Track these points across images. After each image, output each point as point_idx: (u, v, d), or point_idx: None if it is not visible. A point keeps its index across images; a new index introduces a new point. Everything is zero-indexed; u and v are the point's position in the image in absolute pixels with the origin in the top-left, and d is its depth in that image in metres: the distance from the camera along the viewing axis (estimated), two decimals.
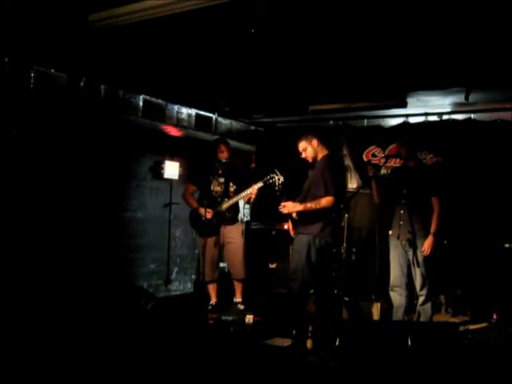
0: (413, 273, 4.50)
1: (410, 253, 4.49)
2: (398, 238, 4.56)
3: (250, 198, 5.05)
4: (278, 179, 4.51)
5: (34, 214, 4.75)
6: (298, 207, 4.24)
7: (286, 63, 4.48)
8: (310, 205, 4.20)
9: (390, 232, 4.70)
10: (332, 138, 6.49)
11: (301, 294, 4.35)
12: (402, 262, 4.57)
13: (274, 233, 6.49)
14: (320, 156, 4.36)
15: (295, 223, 4.42)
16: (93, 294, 4.69)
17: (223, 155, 5.26)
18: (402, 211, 4.55)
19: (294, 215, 4.38)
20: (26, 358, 3.32)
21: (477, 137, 5.69)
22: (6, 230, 4.48)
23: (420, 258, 4.43)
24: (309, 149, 4.35)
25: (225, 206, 5.17)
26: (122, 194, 5.92)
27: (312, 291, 4.55)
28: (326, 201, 4.16)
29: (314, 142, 4.34)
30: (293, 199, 4.33)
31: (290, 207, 4.26)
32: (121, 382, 3.23)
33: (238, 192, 5.15)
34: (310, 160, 4.38)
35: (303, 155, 4.39)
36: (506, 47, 3.83)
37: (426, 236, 4.43)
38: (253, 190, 4.92)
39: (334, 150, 5.82)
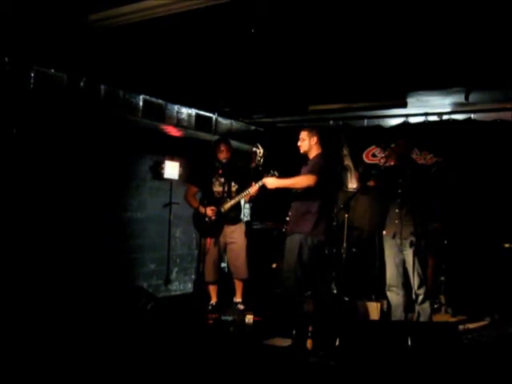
0: (409, 272, 4.50)
1: (406, 252, 4.50)
2: (394, 237, 4.56)
3: (251, 197, 5.06)
4: (260, 152, 4.54)
5: (34, 214, 4.75)
6: (277, 182, 4.28)
7: (285, 63, 4.48)
8: (289, 179, 4.26)
9: (384, 232, 4.70)
10: (332, 138, 6.51)
11: (296, 293, 4.36)
12: (397, 262, 4.58)
13: (275, 233, 6.50)
14: (313, 154, 4.43)
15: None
16: (93, 294, 4.69)
17: (224, 155, 5.25)
18: (397, 210, 4.55)
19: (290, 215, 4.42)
20: (26, 358, 3.32)
21: (477, 137, 5.70)
22: (6, 230, 4.48)
23: (416, 259, 4.43)
24: (306, 142, 4.44)
25: (227, 206, 5.16)
26: (122, 193, 5.92)
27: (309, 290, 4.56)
28: (306, 177, 4.19)
29: (314, 138, 4.42)
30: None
31: (270, 183, 4.29)
32: (121, 382, 3.24)
33: (239, 192, 5.14)
34: (302, 151, 4.48)
35: (299, 143, 4.48)
36: (505, 47, 3.83)
37: (422, 235, 4.44)
38: (253, 189, 4.91)
39: (334, 149, 5.84)
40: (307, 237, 4.23)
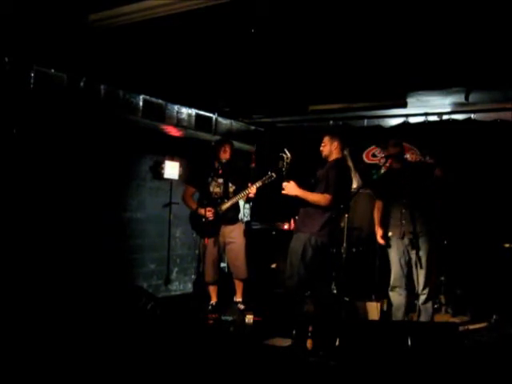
0: (414, 273, 4.50)
1: (413, 252, 4.49)
2: (403, 237, 4.53)
3: (249, 197, 5.06)
4: (287, 157, 4.52)
5: (34, 214, 4.75)
6: (298, 191, 4.29)
7: (285, 63, 4.48)
8: (308, 195, 4.28)
9: (390, 233, 4.68)
10: None
11: (298, 293, 4.36)
12: (403, 263, 4.57)
13: (274, 233, 6.50)
14: (332, 158, 4.49)
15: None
16: (93, 294, 4.69)
17: (225, 155, 5.26)
18: (403, 210, 4.54)
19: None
20: (26, 358, 3.32)
21: (477, 137, 5.69)
22: (6, 230, 4.48)
23: (423, 259, 4.43)
24: (327, 147, 4.51)
25: (224, 206, 5.16)
26: (122, 194, 5.92)
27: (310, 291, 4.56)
28: (323, 198, 4.23)
29: (335, 143, 4.49)
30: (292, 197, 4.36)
31: (290, 188, 4.29)
32: (121, 382, 3.24)
33: (237, 192, 5.14)
34: (323, 155, 4.54)
35: (321, 148, 4.55)
36: (505, 47, 3.83)
37: (428, 235, 4.44)
38: (251, 190, 4.92)
39: None
40: (312, 237, 4.24)
